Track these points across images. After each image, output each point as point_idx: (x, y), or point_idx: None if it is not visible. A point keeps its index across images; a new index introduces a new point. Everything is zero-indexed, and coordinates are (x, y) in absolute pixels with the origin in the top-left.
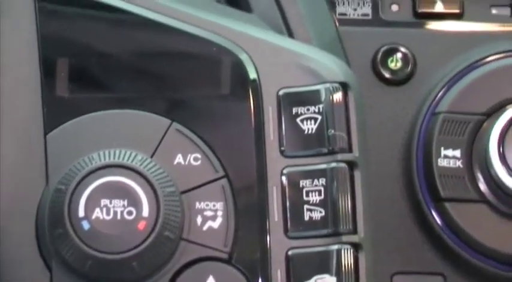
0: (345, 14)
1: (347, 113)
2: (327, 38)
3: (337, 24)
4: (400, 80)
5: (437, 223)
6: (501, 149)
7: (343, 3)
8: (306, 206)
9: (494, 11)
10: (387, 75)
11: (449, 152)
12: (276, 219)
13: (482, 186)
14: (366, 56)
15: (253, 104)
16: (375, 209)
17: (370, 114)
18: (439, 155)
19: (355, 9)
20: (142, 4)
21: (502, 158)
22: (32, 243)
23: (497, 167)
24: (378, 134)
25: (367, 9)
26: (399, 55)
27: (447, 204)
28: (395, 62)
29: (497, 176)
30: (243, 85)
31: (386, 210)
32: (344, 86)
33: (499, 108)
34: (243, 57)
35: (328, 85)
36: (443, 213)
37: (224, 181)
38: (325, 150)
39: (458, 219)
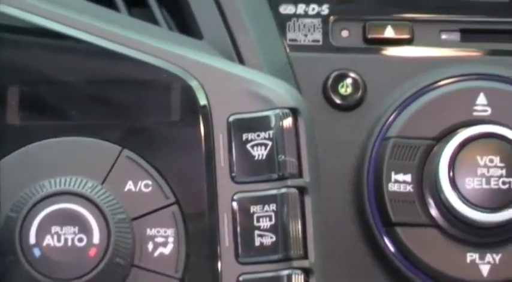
0: (295, 40)
1: (297, 139)
2: (278, 64)
3: (288, 50)
4: (350, 106)
5: (388, 248)
6: (451, 174)
7: (294, 30)
8: (256, 232)
9: (444, 36)
10: (338, 100)
11: (400, 177)
12: (227, 245)
13: (433, 210)
14: (316, 81)
15: (204, 130)
16: (326, 234)
17: (321, 140)
18: (389, 180)
19: (305, 35)
20: (92, 31)
21: (452, 182)
22: None
23: (447, 191)
24: (329, 159)
25: (318, 35)
26: (349, 81)
27: (398, 229)
28: (345, 88)
29: (448, 200)
30: (193, 112)
31: (338, 235)
32: (294, 112)
33: (449, 133)
34: (193, 84)
35: (278, 111)
36: (394, 238)
37: (175, 207)
38: (275, 175)
39: (409, 244)
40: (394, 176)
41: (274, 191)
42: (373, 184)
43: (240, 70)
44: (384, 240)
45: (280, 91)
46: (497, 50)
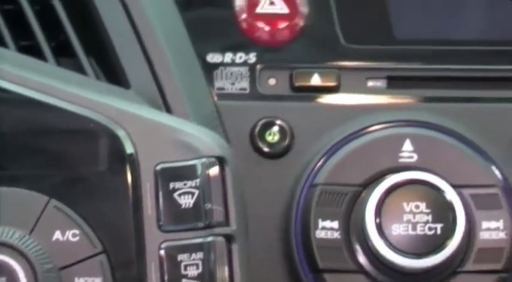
0: (223, 89)
1: (224, 187)
2: (205, 113)
3: (215, 98)
4: (278, 153)
5: None
6: (378, 220)
7: (221, 78)
8: (184, 280)
9: (370, 84)
10: (265, 148)
11: (327, 224)
12: None
13: (361, 257)
14: (244, 129)
15: (131, 179)
16: (254, 281)
17: (248, 187)
18: (316, 227)
19: (233, 84)
20: (19, 81)
21: (379, 228)
22: None
23: (374, 238)
24: (258, 207)
25: (245, 84)
26: (276, 128)
27: (326, 275)
28: (272, 135)
29: (375, 247)
30: (120, 161)
31: None
32: (220, 160)
33: (376, 179)
34: (120, 133)
35: (204, 160)
36: None
37: (102, 257)
38: (202, 224)
39: None
40: (321, 223)
41: (200, 240)
42: (301, 231)
43: (167, 119)
44: None
45: (206, 140)
46: (423, 96)
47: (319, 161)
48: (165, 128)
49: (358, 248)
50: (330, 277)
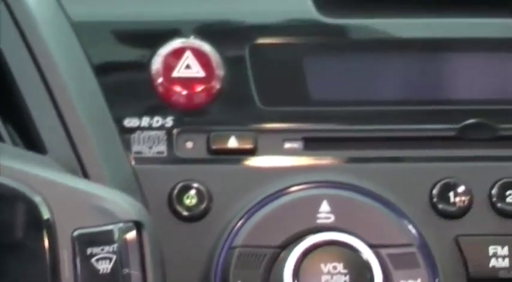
0: (140, 153)
1: (141, 252)
2: (122, 177)
3: (133, 162)
4: (196, 216)
5: None
6: (296, 281)
7: (139, 142)
8: None
9: (287, 145)
10: (183, 212)
11: None
12: None
13: None
14: (162, 193)
15: (48, 245)
16: None
17: (167, 251)
18: None
19: (150, 148)
20: None
21: None
22: None
23: None
24: (177, 271)
25: (162, 147)
26: (194, 192)
27: None
28: (190, 199)
29: None
30: (37, 227)
31: None
32: (138, 225)
33: (294, 241)
34: (37, 199)
35: (121, 225)
36: None
37: None
38: None
39: None
40: None
41: None
42: None
43: (84, 184)
44: None
45: (123, 204)
46: (340, 157)
47: (237, 223)
48: (82, 193)
49: None
50: None
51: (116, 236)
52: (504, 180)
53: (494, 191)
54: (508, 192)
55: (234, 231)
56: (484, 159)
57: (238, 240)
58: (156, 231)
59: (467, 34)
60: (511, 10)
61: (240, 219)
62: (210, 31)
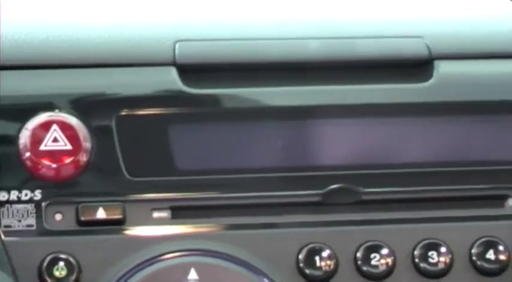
0: (10, 226)
1: None
2: None
3: (2, 236)
4: None
5: None
6: None
7: (8, 216)
8: None
9: (155, 215)
10: None
11: None
12: None
13: None
14: (32, 265)
15: None
16: None
17: None
18: None
19: (19, 221)
20: None
21: None
22: None
23: None
24: None
25: (32, 220)
26: (63, 263)
27: None
28: (60, 270)
29: None
30: None
31: None
32: None
33: None
34: None
35: None
36: None
37: None
38: None
39: None
40: None
41: None
42: None
43: None
44: None
45: None
46: (207, 225)
47: None
48: None
49: None
50: None
51: None
52: (368, 243)
53: (359, 254)
54: (372, 255)
55: None
56: (348, 223)
57: None
58: None
59: (330, 101)
60: (371, 77)
61: None
62: (76, 104)
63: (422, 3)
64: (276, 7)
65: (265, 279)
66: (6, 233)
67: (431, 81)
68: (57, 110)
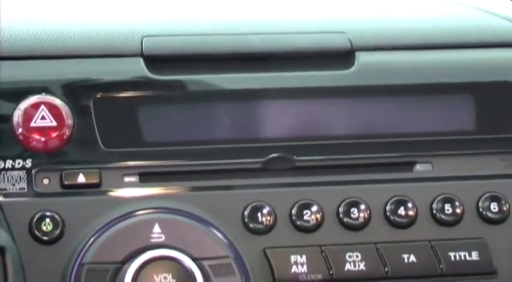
0: (5, 189)
1: (5, 270)
2: None
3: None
4: (52, 240)
5: None
6: None
7: (4, 181)
8: None
9: (126, 179)
10: (42, 237)
11: None
12: None
13: None
14: (24, 222)
15: None
16: None
17: (29, 270)
18: None
19: (13, 185)
20: None
21: None
22: None
23: None
24: None
25: (24, 184)
26: (49, 219)
27: None
28: (47, 225)
29: None
30: None
31: None
32: (1, 249)
33: (132, 257)
34: None
35: None
36: None
37: None
38: None
39: None
40: None
41: None
42: None
43: None
44: None
45: None
46: (169, 188)
47: (86, 244)
48: None
49: None
50: None
51: None
52: (301, 202)
53: (293, 211)
54: (304, 212)
55: (83, 251)
56: (284, 185)
57: (87, 258)
58: (18, 254)
59: (271, 85)
60: (304, 65)
61: (88, 241)
62: (61, 88)
63: (349, 2)
64: (227, 7)
65: (215, 231)
66: (3, 195)
67: (353, 68)
68: (44, 93)
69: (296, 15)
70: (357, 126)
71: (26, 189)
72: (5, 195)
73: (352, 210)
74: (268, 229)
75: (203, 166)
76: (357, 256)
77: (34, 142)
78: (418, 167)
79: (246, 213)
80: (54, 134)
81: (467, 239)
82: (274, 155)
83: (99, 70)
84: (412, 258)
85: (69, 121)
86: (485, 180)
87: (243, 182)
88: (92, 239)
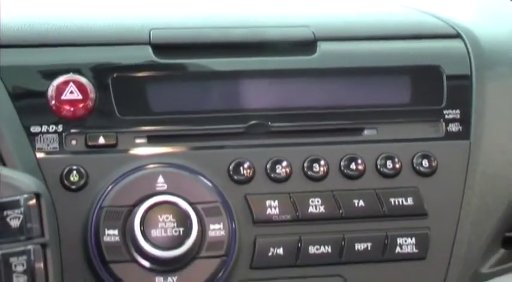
0: (42, 149)
1: (40, 213)
2: (29, 165)
3: (37, 154)
4: (78, 188)
5: (107, 277)
6: (142, 227)
7: (41, 141)
8: (14, 274)
9: (137, 140)
10: (70, 185)
11: (111, 232)
12: None
13: (133, 252)
14: (56, 173)
15: None
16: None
17: (59, 212)
18: (104, 234)
19: (48, 145)
20: None
21: (143, 233)
22: None
23: (140, 239)
24: (66, 224)
25: (56, 144)
26: (75, 172)
27: (111, 265)
28: (74, 177)
29: (141, 245)
30: None
31: (73, 273)
32: (37, 195)
33: (141, 201)
34: None
35: (25, 195)
36: (109, 271)
37: None
38: (24, 237)
39: (119, 274)
40: (107, 231)
41: (23, 248)
42: (94, 237)
43: (1, 169)
44: (103, 272)
45: (27, 182)
46: (171, 148)
47: (104, 191)
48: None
49: (131, 246)
50: (114, 266)
51: (22, 203)
52: (274, 158)
53: (268, 166)
54: (277, 166)
55: (102, 197)
56: (261, 146)
57: (106, 202)
58: (51, 199)
59: (251, 67)
60: (277, 52)
61: (107, 189)
62: (85, 69)
63: (313, 1)
64: (216, 4)
65: (207, 181)
66: (39, 153)
67: (315, 55)
68: (72, 73)
69: (271, 11)
70: (319, 100)
71: (57, 148)
72: (42, 153)
73: (314, 165)
74: (248, 180)
75: (198, 130)
76: (317, 201)
77: (64, 111)
78: (366, 131)
79: (231, 167)
80: (80, 105)
81: (404, 188)
82: (254, 121)
83: (115, 55)
84: (361, 202)
85: (92, 95)
86: (418, 142)
87: (229, 143)
88: (109, 187)
